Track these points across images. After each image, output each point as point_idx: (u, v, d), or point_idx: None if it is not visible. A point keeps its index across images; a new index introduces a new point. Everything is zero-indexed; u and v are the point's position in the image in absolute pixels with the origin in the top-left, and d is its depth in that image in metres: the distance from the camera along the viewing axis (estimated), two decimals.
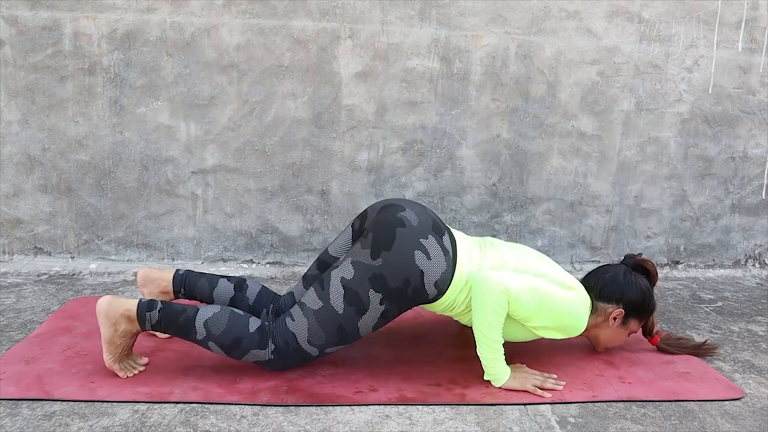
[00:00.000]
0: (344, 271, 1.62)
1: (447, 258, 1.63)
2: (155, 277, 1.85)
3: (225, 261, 2.67)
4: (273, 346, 1.64)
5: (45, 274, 2.50)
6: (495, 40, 2.57)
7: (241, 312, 1.68)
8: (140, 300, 1.64)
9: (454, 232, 1.76)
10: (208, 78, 2.51)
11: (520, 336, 1.74)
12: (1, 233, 2.58)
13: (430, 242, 1.62)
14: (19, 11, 2.41)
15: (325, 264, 1.84)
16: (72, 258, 2.61)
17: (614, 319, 1.80)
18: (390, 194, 2.66)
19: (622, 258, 1.91)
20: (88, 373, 1.67)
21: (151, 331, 1.67)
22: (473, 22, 2.55)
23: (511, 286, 1.61)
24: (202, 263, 2.65)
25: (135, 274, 2.53)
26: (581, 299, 1.73)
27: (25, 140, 2.51)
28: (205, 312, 1.64)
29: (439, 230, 1.67)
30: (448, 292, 1.66)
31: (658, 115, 2.73)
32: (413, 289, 1.61)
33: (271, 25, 2.49)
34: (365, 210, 1.79)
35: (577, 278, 1.83)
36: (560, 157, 2.71)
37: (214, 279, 1.87)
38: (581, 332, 1.75)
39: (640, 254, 1.90)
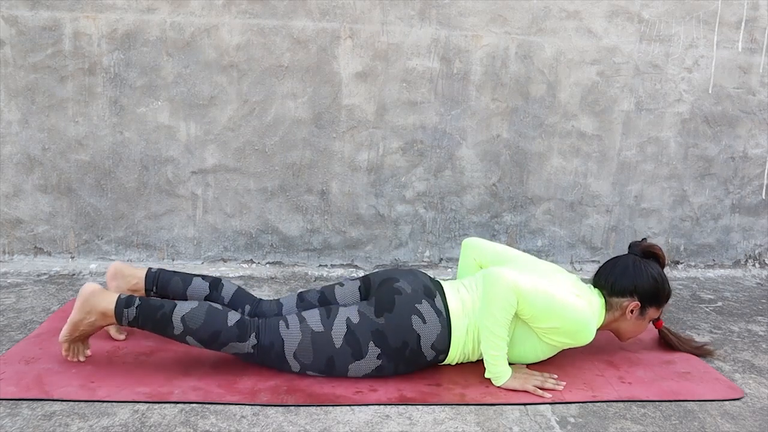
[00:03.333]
0: (351, 313, 1.68)
1: (441, 319, 1.68)
2: (127, 273, 1.85)
3: (225, 261, 2.67)
4: (255, 341, 1.65)
5: (45, 274, 2.50)
6: (495, 40, 2.57)
7: (219, 306, 1.69)
8: (119, 296, 1.64)
9: (446, 285, 1.79)
10: (208, 78, 2.51)
11: (533, 349, 1.74)
12: (1, 233, 2.58)
13: (424, 306, 1.68)
14: (19, 11, 2.41)
15: (327, 300, 1.86)
16: (72, 258, 2.62)
17: (631, 311, 1.81)
18: (390, 194, 2.66)
19: (628, 247, 1.90)
20: (88, 373, 1.67)
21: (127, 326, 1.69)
22: (473, 22, 2.55)
23: (520, 282, 1.63)
24: (202, 263, 2.65)
25: None
26: (589, 308, 1.73)
27: (25, 140, 2.51)
28: (183, 307, 1.65)
29: (431, 293, 1.72)
30: (451, 350, 1.71)
31: (658, 115, 2.73)
32: (411, 351, 1.67)
33: (271, 25, 2.49)
34: (368, 276, 1.86)
35: (583, 278, 1.84)
36: (560, 157, 2.71)
37: (188, 278, 1.86)
38: (590, 340, 1.73)
39: (645, 239, 1.90)
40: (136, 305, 1.64)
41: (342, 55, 2.53)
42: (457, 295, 1.75)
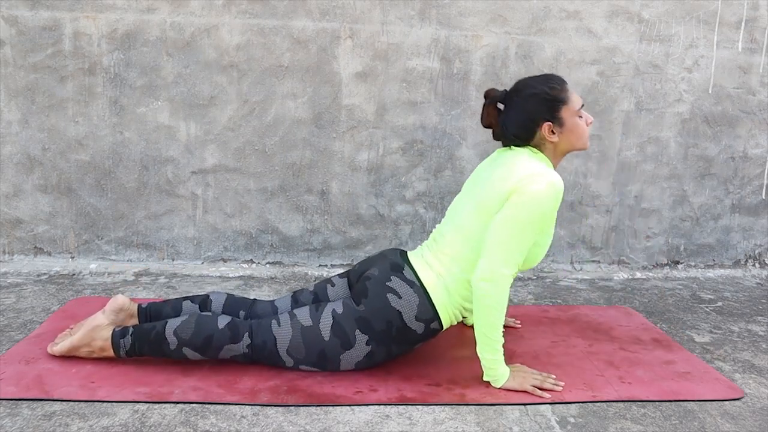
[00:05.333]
0: (336, 305, 1.71)
1: (415, 288, 1.68)
2: (129, 313, 1.83)
3: (225, 261, 2.67)
4: (249, 341, 1.67)
5: (45, 274, 2.50)
6: (495, 40, 2.57)
7: (209, 313, 1.73)
8: (114, 329, 1.72)
9: (411, 254, 1.79)
10: (208, 78, 2.51)
11: (541, 245, 1.71)
12: (1, 233, 2.58)
13: (395, 282, 1.69)
14: (19, 11, 2.41)
15: (319, 300, 1.87)
16: (72, 258, 2.62)
17: (551, 132, 1.68)
18: (390, 194, 2.66)
19: (485, 107, 1.76)
20: (88, 373, 1.67)
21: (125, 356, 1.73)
22: (473, 22, 2.55)
23: (506, 272, 1.60)
24: (202, 263, 2.65)
25: (135, 275, 2.53)
26: (534, 179, 1.60)
27: (25, 140, 2.51)
28: (174, 322, 1.69)
29: (398, 267, 1.72)
30: (441, 314, 1.69)
31: (658, 115, 2.73)
32: (397, 330, 1.67)
33: (271, 25, 2.49)
34: (348, 273, 1.87)
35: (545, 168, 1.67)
36: None
37: (177, 304, 1.85)
38: (561, 186, 1.62)
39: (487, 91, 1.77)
40: (130, 333, 1.70)
41: (342, 55, 2.53)
42: (422, 260, 1.75)
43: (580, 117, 1.70)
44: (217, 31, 2.47)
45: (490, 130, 2.55)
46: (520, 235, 1.60)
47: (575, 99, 1.70)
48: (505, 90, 1.74)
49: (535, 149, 1.71)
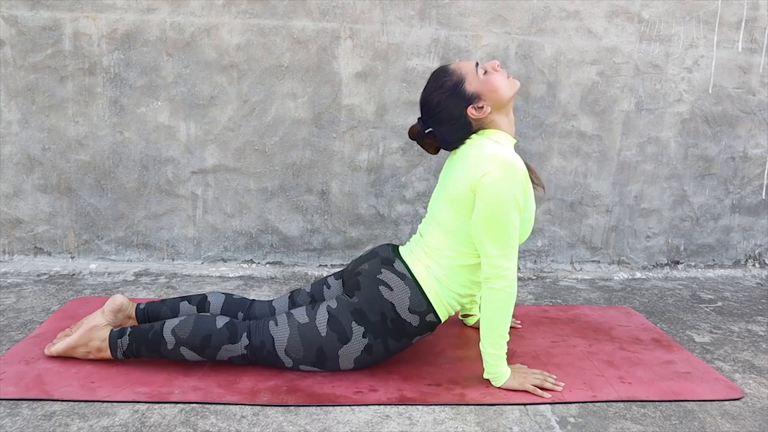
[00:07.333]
0: (330, 302, 1.72)
1: (407, 281, 1.69)
2: (127, 314, 1.83)
3: (225, 261, 2.67)
4: (247, 341, 1.68)
5: (45, 274, 2.50)
6: (495, 40, 2.57)
7: (207, 314, 1.73)
8: (111, 330, 1.73)
9: (402, 249, 1.80)
10: (208, 78, 2.51)
11: (528, 220, 1.69)
12: (1, 233, 2.58)
13: (386, 275, 1.70)
14: (19, 11, 2.41)
15: (315, 300, 1.87)
16: (72, 258, 2.62)
17: (478, 109, 1.66)
18: (390, 194, 2.66)
19: (418, 139, 1.78)
20: (88, 373, 1.67)
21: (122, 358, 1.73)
22: (473, 22, 2.55)
23: (508, 264, 1.60)
24: (202, 263, 2.65)
25: (135, 275, 2.53)
26: (485, 158, 1.61)
27: (25, 140, 2.51)
28: (172, 321, 1.69)
29: (389, 261, 1.74)
30: (436, 306, 1.69)
31: (658, 115, 2.73)
32: (392, 322, 1.67)
33: (271, 25, 2.49)
34: (341, 273, 1.89)
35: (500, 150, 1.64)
36: (560, 157, 2.71)
37: (175, 305, 1.85)
38: (520, 168, 1.60)
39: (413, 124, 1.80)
40: (128, 333, 1.70)
41: (342, 55, 2.53)
42: (411, 254, 1.76)
43: (486, 73, 1.67)
44: (217, 31, 2.47)
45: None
46: (503, 226, 1.60)
47: (467, 67, 1.68)
48: (419, 117, 1.76)
49: (481, 131, 1.70)
